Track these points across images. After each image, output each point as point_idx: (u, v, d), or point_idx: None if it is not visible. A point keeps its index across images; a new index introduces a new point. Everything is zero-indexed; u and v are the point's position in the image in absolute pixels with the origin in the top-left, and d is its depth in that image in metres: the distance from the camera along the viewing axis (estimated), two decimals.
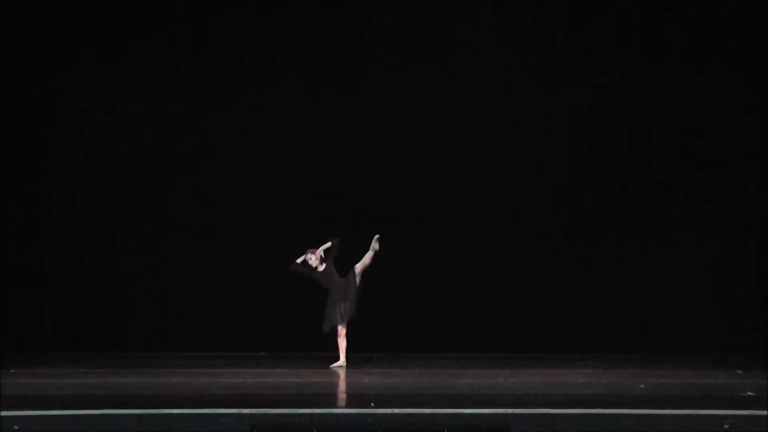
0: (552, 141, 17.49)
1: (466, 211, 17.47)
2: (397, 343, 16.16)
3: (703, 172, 17.30)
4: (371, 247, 15.15)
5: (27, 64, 17.19)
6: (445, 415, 10.42)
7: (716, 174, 17.28)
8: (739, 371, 14.54)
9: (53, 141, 17.30)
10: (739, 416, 10.35)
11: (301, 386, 12.84)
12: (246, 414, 10.31)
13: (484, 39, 17.54)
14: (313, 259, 15.25)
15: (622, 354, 16.75)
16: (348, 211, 17.32)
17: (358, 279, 15.16)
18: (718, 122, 17.29)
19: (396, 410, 10.52)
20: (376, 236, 15.16)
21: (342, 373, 14.65)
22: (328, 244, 15.27)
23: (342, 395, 12.78)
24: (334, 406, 11.25)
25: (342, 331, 15.16)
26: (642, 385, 12.78)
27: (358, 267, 15.18)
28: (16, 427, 10.01)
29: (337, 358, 15.22)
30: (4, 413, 10.09)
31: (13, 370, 14.10)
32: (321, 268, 15.25)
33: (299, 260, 15.32)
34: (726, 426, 10.23)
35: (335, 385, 13.60)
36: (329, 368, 15.08)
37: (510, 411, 10.43)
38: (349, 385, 13.67)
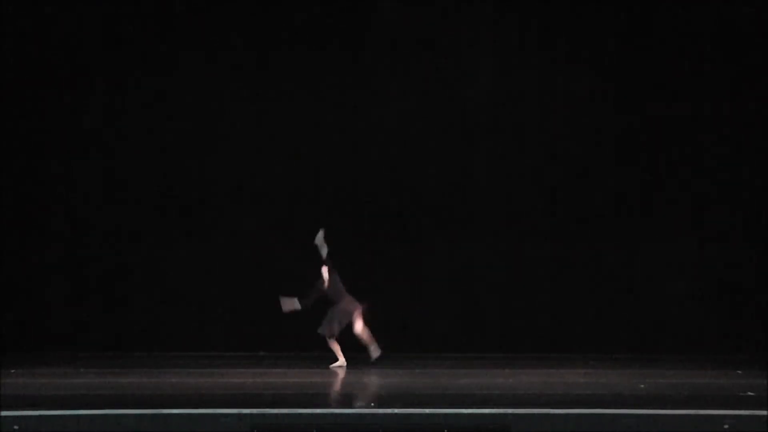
0: (553, 140, 17.48)
1: (467, 210, 17.47)
2: (397, 343, 16.13)
3: (704, 171, 17.30)
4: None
5: (26, 62, 17.20)
6: (445, 415, 10.42)
7: (717, 173, 17.28)
8: (739, 371, 14.55)
9: (52, 141, 17.29)
10: (739, 416, 10.36)
11: (301, 386, 12.84)
12: (246, 414, 10.32)
13: (484, 38, 17.53)
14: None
15: (622, 354, 16.75)
16: (348, 211, 17.32)
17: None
18: (718, 122, 17.29)
19: (396, 410, 10.53)
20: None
21: (342, 373, 14.65)
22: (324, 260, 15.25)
23: (342, 395, 12.79)
24: (334, 406, 11.25)
25: (331, 339, 15.20)
26: (642, 385, 12.78)
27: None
28: (16, 427, 10.01)
29: (337, 359, 15.23)
30: (4, 413, 10.09)
31: (13, 370, 14.10)
32: (326, 284, 15.23)
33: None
34: (726, 426, 10.23)
35: (335, 385, 13.60)
36: (329, 368, 15.09)
37: (510, 411, 10.43)
38: (349, 385, 13.68)
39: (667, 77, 17.33)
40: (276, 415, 10.38)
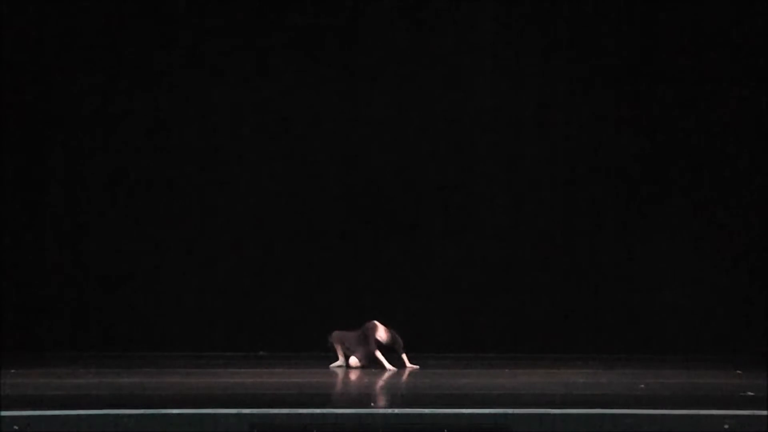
0: (553, 140, 17.47)
1: (466, 210, 17.46)
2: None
3: (705, 171, 17.30)
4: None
5: (26, 59, 17.21)
6: (445, 415, 10.41)
7: (718, 173, 17.28)
8: (739, 371, 14.55)
9: (52, 140, 17.29)
10: (739, 416, 10.35)
11: (301, 386, 12.84)
12: (246, 414, 10.30)
13: (485, 37, 17.53)
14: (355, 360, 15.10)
15: (622, 354, 16.75)
16: (348, 210, 17.33)
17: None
18: (718, 121, 17.29)
19: (396, 410, 10.52)
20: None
21: (342, 373, 14.64)
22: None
23: (342, 395, 12.79)
24: (334, 406, 11.24)
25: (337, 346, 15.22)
26: (642, 385, 12.78)
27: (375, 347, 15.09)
28: (16, 427, 10.00)
29: (337, 358, 15.23)
30: (4, 413, 10.08)
31: (13, 370, 14.10)
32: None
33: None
34: (726, 426, 10.22)
35: (335, 385, 13.60)
36: (329, 368, 15.08)
37: (510, 411, 10.42)
38: (349, 385, 13.67)
39: (667, 75, 17.33)
40: (276, 415, 10.36)
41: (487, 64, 17.52)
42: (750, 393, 11.98)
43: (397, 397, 12.40)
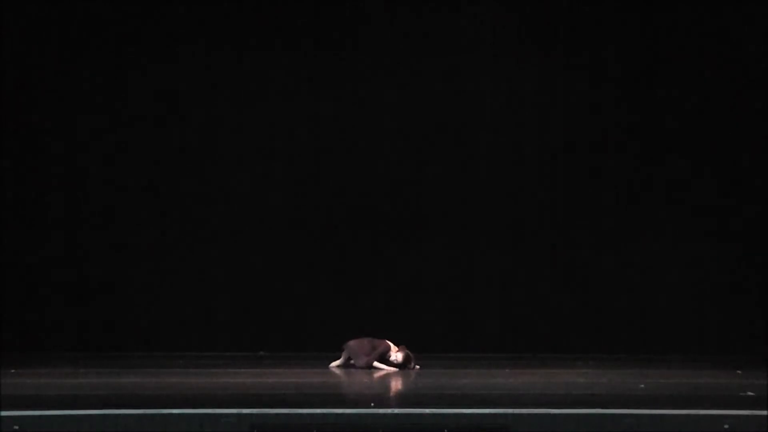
0: (552, 140, 17.47)
1: (466, 210, 17.46)
2: (397, 343, 16.11)
3: (705, 171, 17.29)
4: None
5: (26, 59, 17.21)
6: (445, 415, 10.41)
7: (718, 173, 17.27)
8: (739, 371, 14.54)
9: (51, 138, 17.29)
10: (739, 416, 10.35)
11: (301, 386, 12.84)
12: (246, 414, 10.30)
13: (485, 36, 17.52)
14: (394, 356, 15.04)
15: (622, 354, 16.74)
16: (348, 211, 17.32)
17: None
18: (719, 121, 17.28)
19: (396, 410, 10.52)
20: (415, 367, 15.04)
21: (342, 373, 14.64)
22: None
23: (342, 395, 12.78)
24: (334, 406, 11.23)
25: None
26: (642, 385, 12.78)
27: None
28: (16, 427, 10.00)
29: (337, 358, 15.22)
30: (4, 413, 10.08)
31: (13, 370, 14.09)
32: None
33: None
34: (726, 426, 10.22)
35: (335, 385, 13.60)
36: (329, 368, 15.08)
37: (510, 411, 10.42)
38: (349, 385, 13.67)
39: (667, 77, 17.32)
40: (276, 415, 10.36)
41: (487, 64, 17.51)
42: (750, 393, 11.98)
43: (397, 397, 12.39)
